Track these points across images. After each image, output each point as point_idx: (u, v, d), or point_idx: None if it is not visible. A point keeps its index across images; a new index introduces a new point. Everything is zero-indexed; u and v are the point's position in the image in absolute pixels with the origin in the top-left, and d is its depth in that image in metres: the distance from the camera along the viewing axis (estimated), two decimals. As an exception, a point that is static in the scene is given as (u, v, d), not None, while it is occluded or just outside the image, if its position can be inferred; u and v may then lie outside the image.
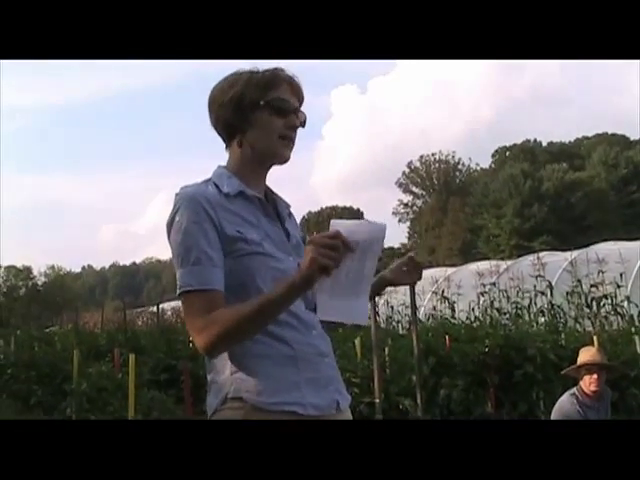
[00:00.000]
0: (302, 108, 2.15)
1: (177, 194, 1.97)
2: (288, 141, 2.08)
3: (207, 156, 2.12)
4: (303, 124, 2.13)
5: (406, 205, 73.63)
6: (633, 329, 8.71)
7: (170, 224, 1.94)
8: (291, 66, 2.12)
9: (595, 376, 4.74)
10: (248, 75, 2.08)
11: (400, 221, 73.46)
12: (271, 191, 2.17)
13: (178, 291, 1.89)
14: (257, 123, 2.05)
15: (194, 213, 1.90)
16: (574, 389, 4.85)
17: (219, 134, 2.14)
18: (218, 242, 1.90)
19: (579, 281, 10.88)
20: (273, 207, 2.12)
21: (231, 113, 2.06)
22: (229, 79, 2.10)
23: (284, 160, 2.10)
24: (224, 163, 2.13)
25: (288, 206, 2.20)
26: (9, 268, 54.72)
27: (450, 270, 18.49)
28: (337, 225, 1.75)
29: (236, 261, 1.91)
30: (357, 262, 1.76)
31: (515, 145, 66.25)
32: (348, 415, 2.05)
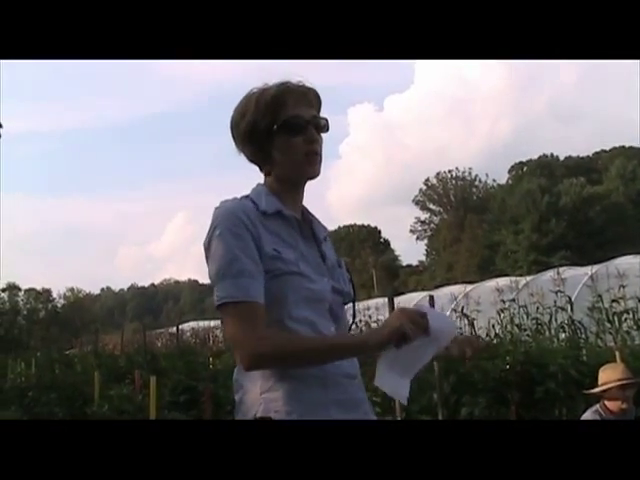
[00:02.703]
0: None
1: (217, 208, 1.97)
2: (314, 156, 2.04)
3: (225, 176, 2.11)
4: (325, 129, 2.10)
5: (423, 222, 73.55)
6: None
7: (210, 238, 1.93)
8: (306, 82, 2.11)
9: (626, 393, 4.67)
10: (255, 98, 2.05)
11: (418, 239, 73.43)
12: (308, 212, 2.16)
13: (218, 302, 1.88)
14: (277, 148, 2.03)
15: (234, 226, 1.90)
16: (597, 406, 4.77)
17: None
18: (258, 256, 1.90)
19: (600, 296, 10.77)
20: (310, 228, 2.11)
21: (249, 148, 2.07)
22: (240, 107, 2.09)
23: (315, 176, 2.07)
24: (244, 182, 2.15)
25: (325, 229, 2.19)
26: (29, 291, 54.99)
27: (469, 287, 18.37)
28: (423, 307, 1.92)
29: (272, 280, 1.91)
30: (423, 347, 1.88)
31: (532, 160, 66.02)
32: None
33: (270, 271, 1.91)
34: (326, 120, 2.11)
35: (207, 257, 1.95)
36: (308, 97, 2.09)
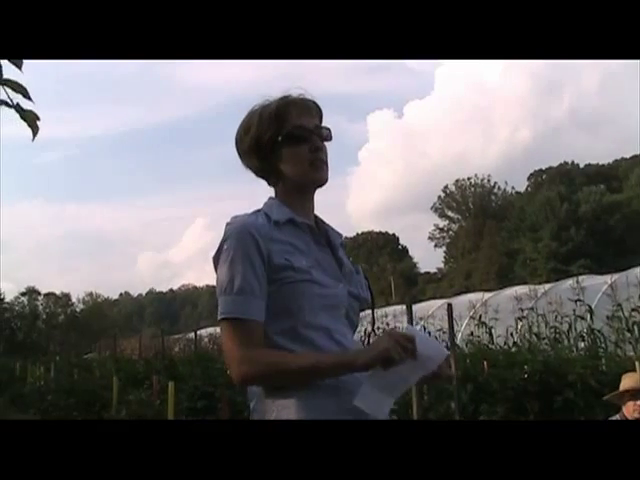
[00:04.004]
0: (337, 133, 2.15)
1: (228, 223, 2.00)
2: (319, 163, 2.07)
3: (243, 183, 2.13)
4: (329, 138, 2.13)
5: (442, 230, 73.42)
6: (676, 354, 8.54)
7: (219, 252, 1.97)
8: (320, 92, 2.13)
9: (639, 402, 4.64)
10: (258, 113, 2.09)
11: (436, 246, 73.31)
12: (322, 221, 2.18)
13: (219, 317, 1.92)
14: (283, 158, 2.07)
15: (243, 243, 1.92)
16: (617, 416, 4.75)
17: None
18: (264, 273, 1.92)
19: (619, 305, 10.68)
20: (324, 235, 2.13)
21: (256, 160, 2.11)
22: (243, 123, 2.13)
23: (323, 183, 2.11)
24: (261, 189, 2.16)
25: (340, 236, 2.22)
26: (48, 295, 55.28)
27: (487, 295, 18.26)
28: (413, 332, 1.91)
29: (283, 287, 1.93)
30: (409, 370, 1.89)
31: (551, 168, 65.71)
32: None
33: (282, 279, 1.93)
34: (329, 129, 2.15)
35: (215, 271, 1.99)
36: (309, 108, 2.13)
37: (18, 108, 1.82)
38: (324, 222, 2.19)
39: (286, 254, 1.95)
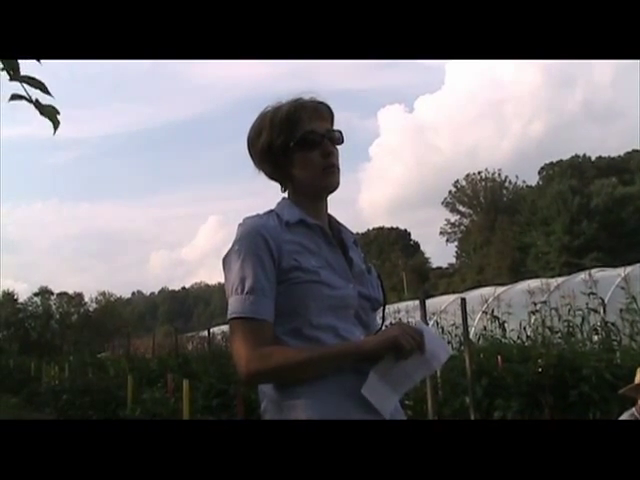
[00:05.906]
0: (348, 129, 2.14)
1: (240, 225, 2.01)
2: (332, 169, 2.08)
3: (256, 180, 2.14)
4: (340, 141, 2.13)
5: (453, 225, 73.20)
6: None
7: (229, 254, 1.98)
8: (330, 88, 2.11)
9: None
10: (270, 118, 2.10)
11: (448, 241, 73.10)
12: (336, 221, 2.19)
13: (228, 317, 1.93)
14: (295, 164, 2.07)
15: (254, 244, 1.93)
16: (633, 409, 4.72)
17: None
18: (274, 274, 1.93)
19: (633, 297, 10.61)
20: (337, 236, 2.14)
21: (268, 165, 2.12)
22: (255, 126, 2.14)
23: (335, 188, 2.11)
24: (274, 187, 2.17)
25: (353, 235, 2.22)
26: (61, 295, 55.35)
27: (500, 289, 18.19)
28: (422, 327, 1.96)
29: (291, 288, 1.94)
30: (414, 366, 1.92)
31: (563, 161, 65.38)
32: None
33: (290, 280, 1.94)
34: (340, 132, 2.14)
35: (224, 272, 2.00)
36: (321, 111, 2.13)
37: (37, 104, 1.82)
38: (338, 222, 2.20)
39: (295, 254, 1.96)
